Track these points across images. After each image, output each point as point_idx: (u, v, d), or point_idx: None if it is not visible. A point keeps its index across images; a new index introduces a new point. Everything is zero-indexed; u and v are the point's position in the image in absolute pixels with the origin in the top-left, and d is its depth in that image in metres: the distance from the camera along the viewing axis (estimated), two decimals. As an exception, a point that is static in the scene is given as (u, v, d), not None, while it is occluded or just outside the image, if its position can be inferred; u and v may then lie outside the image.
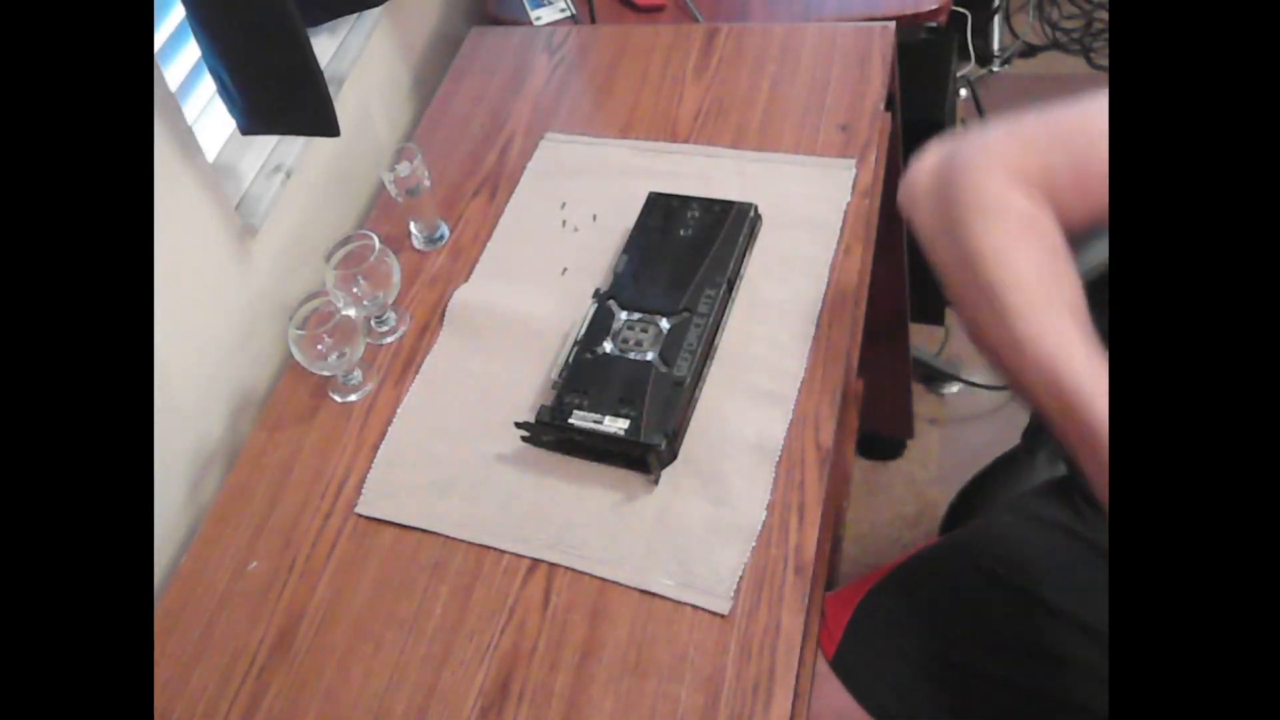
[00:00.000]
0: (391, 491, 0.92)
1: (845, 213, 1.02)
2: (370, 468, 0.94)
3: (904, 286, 1.52)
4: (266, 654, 0.85)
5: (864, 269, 1.00)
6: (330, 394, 1.01)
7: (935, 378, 1.89)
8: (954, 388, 1.88)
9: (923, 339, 1.91)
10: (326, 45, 1.18)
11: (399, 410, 0.98)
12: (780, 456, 0.87)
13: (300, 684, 0.83)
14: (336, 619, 0.85)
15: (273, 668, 0.84)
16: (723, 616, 0.79)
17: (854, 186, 1.04)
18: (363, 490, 0.93)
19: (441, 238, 1.12)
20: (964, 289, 0.68)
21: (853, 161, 1.06)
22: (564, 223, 1.09)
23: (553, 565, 0.85)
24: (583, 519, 0.87)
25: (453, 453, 0.94)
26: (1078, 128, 0.68)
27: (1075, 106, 0.68)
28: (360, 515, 0.91)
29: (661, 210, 1.04)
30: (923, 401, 1.86)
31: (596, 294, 0.97)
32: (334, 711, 0.81)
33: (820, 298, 0.96)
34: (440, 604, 0.85)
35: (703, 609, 0.80)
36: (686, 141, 1.14)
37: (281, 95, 0.94)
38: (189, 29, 0.91)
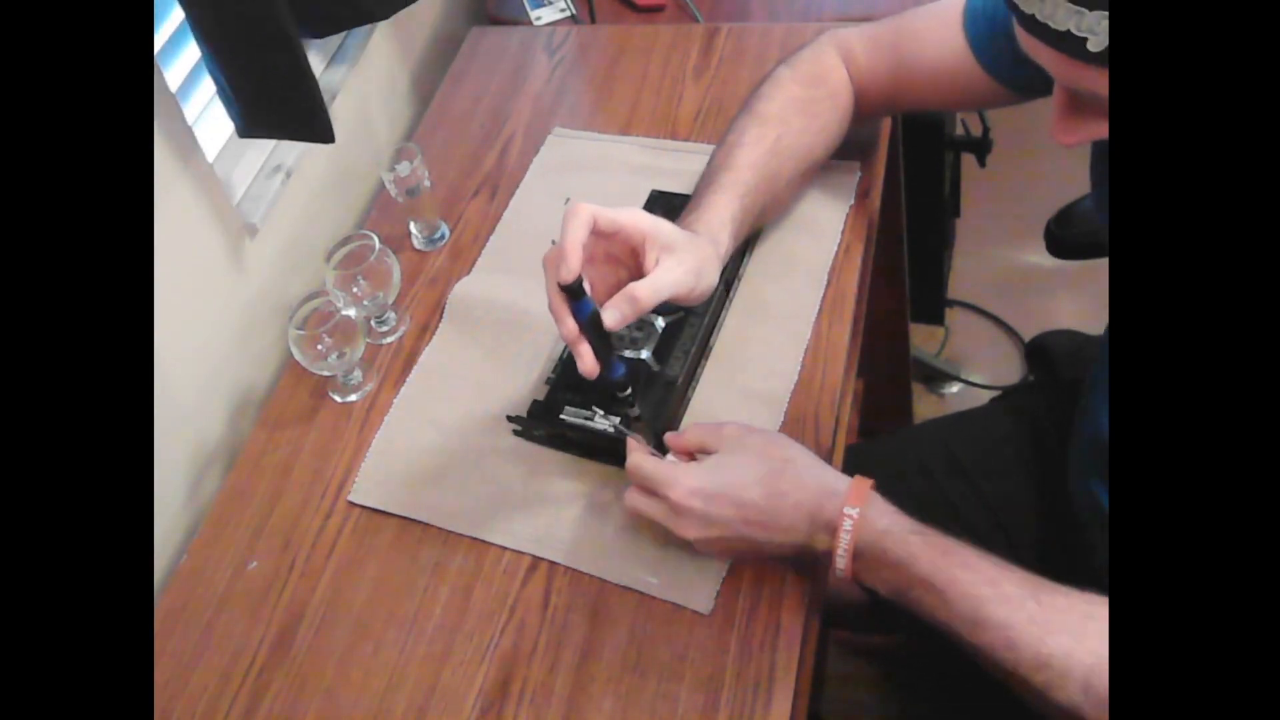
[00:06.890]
0: (383, 480, 0.92)
1: (846, 214, 1.02)
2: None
3: (904, 286, 1.52)
4: (266, 654, 0.85)
5: (864, 269, 1.00)
6: (330, 394, 1.01)
7: (935, 378, 1.89)
8: (954, 388, 1.88)
9: (923, 339, 1.91)
10: (326, 46, 1.18)
11: (395, 400, 0.98)
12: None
13: (300, 684, 0.83)
14: (336, 619, 0.86)
15: (273, 668, 0.84)
16: (721, 617, 0.79)
17: (855, 187, 1.04)
18: (355, 478, 0.93)
19: (441, 238, 1.12)
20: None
21: (855, 164, 1.06)
22: (565, 221, 1.09)
23: (553, 565, 0.85)
24: (571, 514, 0.87)
25: (446, 444, 0.94)
26: (909, 29, 0.92)
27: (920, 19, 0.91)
28: (352, 503, 0.91)
29: (663, 208, 1.03)
30: (923, 401, 1.85)
31: None
32: (334, 711, 0.81)
33: (819, 299, 0.96)
34: (440, 604, 0.85)
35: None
36: (687, 142, 1.14)
37: (277, 101, 0.94)
38: (189, 30, 0.91)
